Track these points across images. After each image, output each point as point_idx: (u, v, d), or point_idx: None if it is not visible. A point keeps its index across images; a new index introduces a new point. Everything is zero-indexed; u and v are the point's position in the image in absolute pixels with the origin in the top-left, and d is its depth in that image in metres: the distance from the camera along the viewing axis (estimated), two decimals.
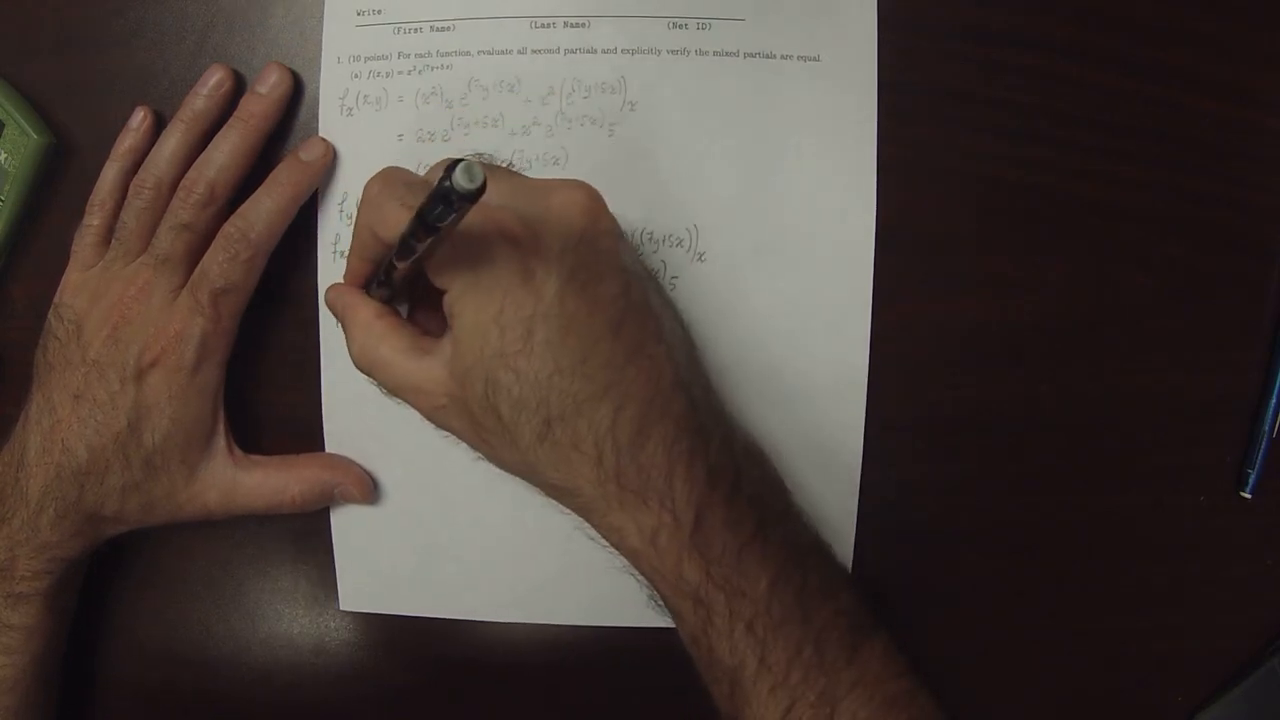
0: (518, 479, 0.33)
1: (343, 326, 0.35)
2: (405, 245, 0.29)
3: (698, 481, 0.30)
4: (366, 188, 0.32)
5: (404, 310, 0.36)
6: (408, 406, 0.34)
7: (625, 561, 0.32)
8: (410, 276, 0.32)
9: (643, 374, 0.30)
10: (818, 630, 0.30)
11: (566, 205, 0.31)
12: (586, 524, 0.32)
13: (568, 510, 0.32)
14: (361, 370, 0.33)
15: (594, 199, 0.31)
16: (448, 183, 0.24)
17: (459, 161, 0.24)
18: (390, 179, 0.32)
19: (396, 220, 0.29)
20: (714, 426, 0.32)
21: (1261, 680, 0.42)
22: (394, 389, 0.33)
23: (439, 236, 0.27)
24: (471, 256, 0.29)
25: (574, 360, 0.30)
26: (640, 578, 0.32)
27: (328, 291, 0.36)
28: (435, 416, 0.33)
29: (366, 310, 0.34)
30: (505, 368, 0.30)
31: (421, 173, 0.38)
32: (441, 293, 0.31)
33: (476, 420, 0.31)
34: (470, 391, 0.30)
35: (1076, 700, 0.43)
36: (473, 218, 0.27)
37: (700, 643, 0.31)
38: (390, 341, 0.33)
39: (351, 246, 0.34)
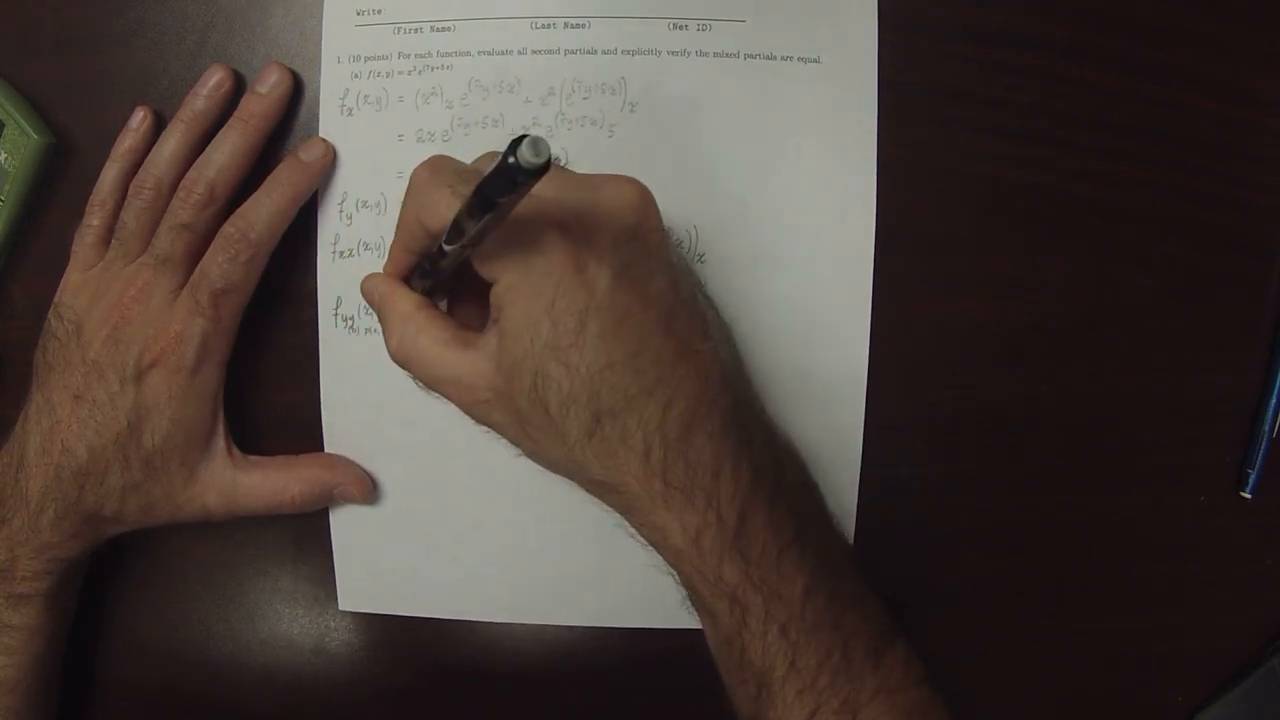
0: (554, 475, 0.33)
1: (380, 317, 0.34)
2: (457, 228, 0.28)
3: (743, 481, 0.30)
4: (414, 175, 0.31)
5: (441, 306, 0.35)
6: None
7: (659, 559, 0.32)
8: (455, 268, 0.31)
9: (692, 371, 0.30)
10: (846, 636, 0.30)
11: (617, 199, 0.30)
12: (621, 522, 0.32)
13: (608, 508, 0.32)
14: (399, 362, 0.33)
15: (644, 194, 0.31)
16: (513, 158, 0.23)
17: (524, 137, 0.23)
18: (439, 166, 0.31)
19: (446, 207, 0.29)
20: (756, 427, 0.32)
21: (1261, 680, 0.43)
22: (433, 382, 0.32)
23: (495, 216, 0.26)
24: (522, 247, 0.29)
25: (626, 354, 0.29)
26: (676, 576, 0.32)
27: (365, 281, 0.35)
28: (476, 411, 0.32)
29: (406, 301, 0.33)
30: (556, 361, 0.29)
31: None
32: (484, 287, 0.30)
33: (522, 415, 0.30)
34: (517, 385, 0.30)
35: (1076, 700, 0.43)
36: (524, 206, 0.27)
37: (734, 644, 0.31)
38: (430, 333, 0.32)
39: (396, 237, 0.33)
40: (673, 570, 0.32)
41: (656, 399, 0.29)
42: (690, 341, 0.30)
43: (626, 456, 0.30)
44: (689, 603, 0.33)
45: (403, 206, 0.32)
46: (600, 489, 0.31)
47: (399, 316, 0.33)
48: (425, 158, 0.38)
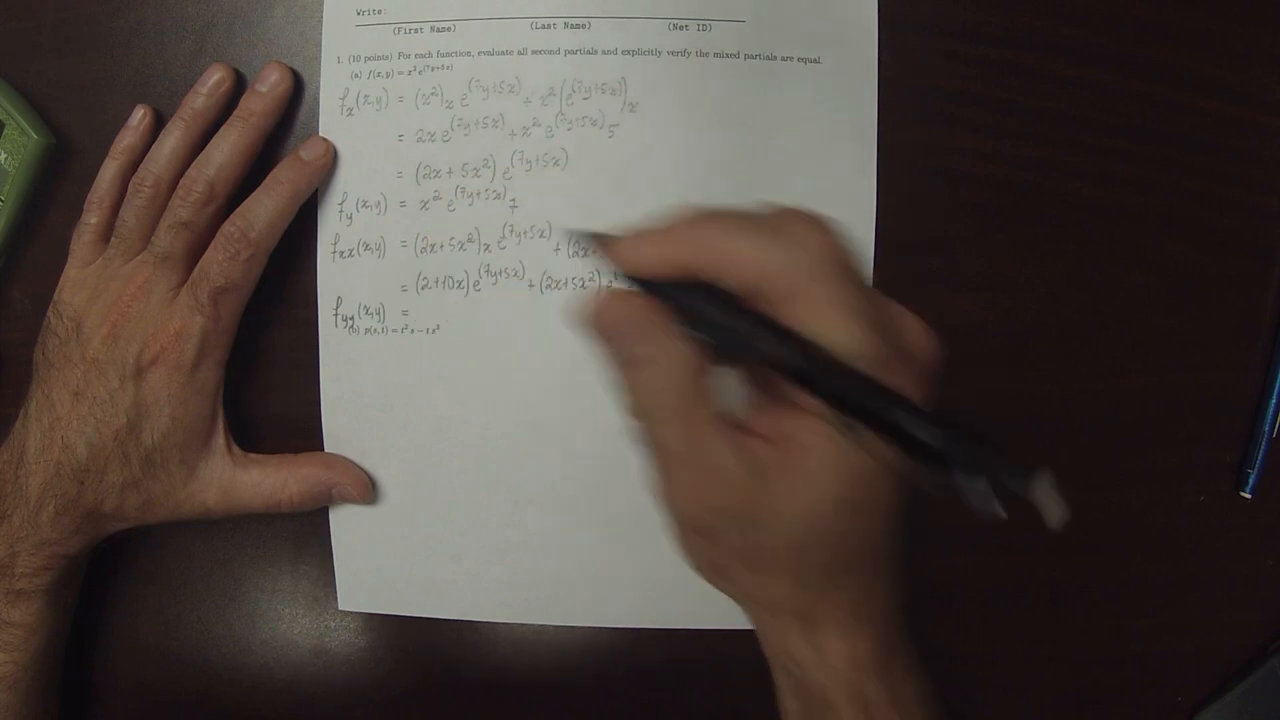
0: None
1: (621, 354, 0.26)
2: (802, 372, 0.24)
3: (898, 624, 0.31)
4: (822, 228, 0.26)
5: None
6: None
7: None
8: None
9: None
10: None
11: (921, 344, 0.29)
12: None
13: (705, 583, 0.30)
14: (639, 418, 0.26)
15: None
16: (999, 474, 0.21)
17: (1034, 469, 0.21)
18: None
19: (840, 334, 0.24)
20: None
21: (1261, 680, 0.43)
22: (675, 469, 0.26)
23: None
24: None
25: (880, 531, 0.28)
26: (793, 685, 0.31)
27: (609, 299, 0.27)
28: (701, 523, 0.27)
29: (683, 353, 0.26)
30: (832, 524, 0.26)
31: (415, 172, 0.38)
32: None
33: (752, 553, 0.27)
34: (774, 523, 0.26)
35: (1076, 700, 0.43)
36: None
37: None
38: (710, 416, 0.26)
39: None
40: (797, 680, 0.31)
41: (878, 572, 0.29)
42: None
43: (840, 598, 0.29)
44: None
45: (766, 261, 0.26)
46: (772, 610, 0.30)
47: (672, 366, 0.26)
48: (425, 158, 0.39)
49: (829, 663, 0.29)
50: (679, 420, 0.26)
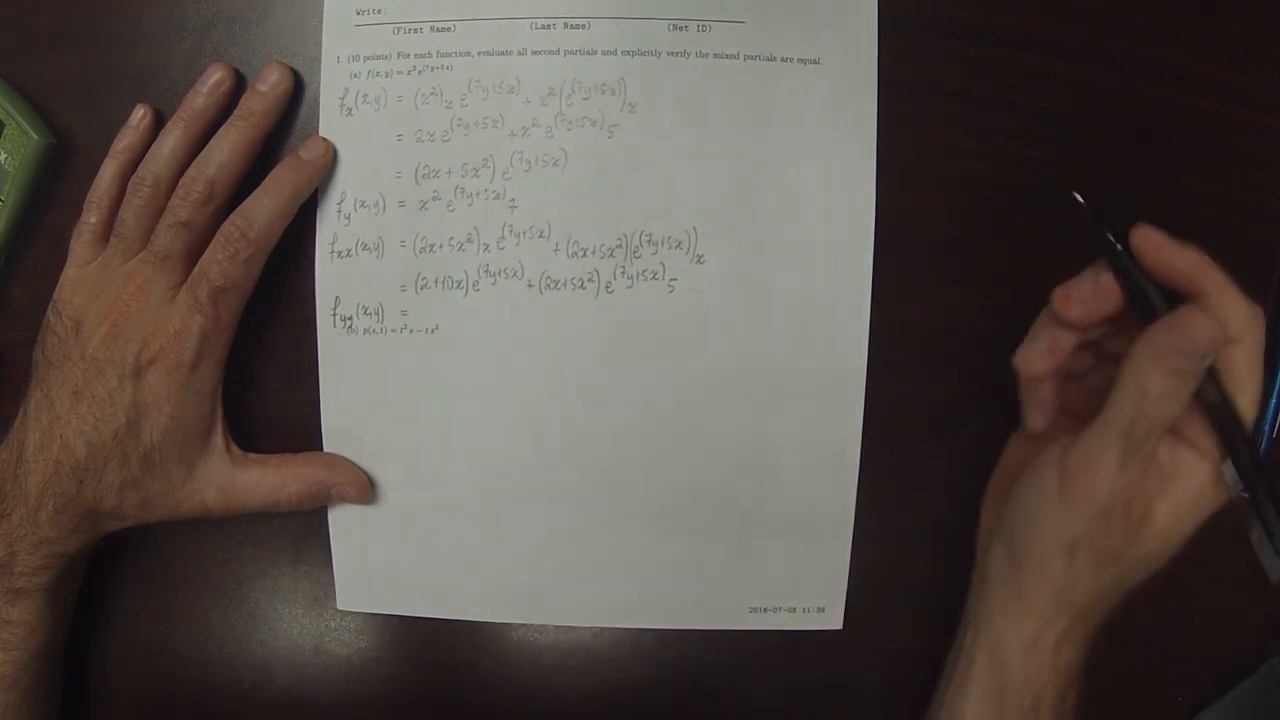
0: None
1: (1190, 362, 0.31)
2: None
3: None
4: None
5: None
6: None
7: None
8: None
9: None
10: None
11: None
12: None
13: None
14: (1146, 419, 0.31)
15: None
16: None
17: None
18: None
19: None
20: None
21: (1261, 680, 0.43)
22: (1126, 458, 0.32)
23: None
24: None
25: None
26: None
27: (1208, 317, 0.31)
28: (1104, 506, 0.33)
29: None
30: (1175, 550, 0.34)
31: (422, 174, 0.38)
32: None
33: (1112, 552, 0.33)
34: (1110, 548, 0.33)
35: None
36: None
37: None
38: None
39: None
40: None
41: None
42: None
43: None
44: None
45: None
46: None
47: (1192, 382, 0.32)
48: (424, 158, 0.39)
49: (1058, 666, 0.35)
50: (1168, 424, 0.32)
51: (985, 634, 0.36)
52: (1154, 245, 0.32)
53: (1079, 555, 0.33)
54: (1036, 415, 0.36)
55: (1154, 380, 0.31)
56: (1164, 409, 0.31)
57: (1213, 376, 0.31)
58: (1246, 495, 0.32)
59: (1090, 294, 0.33)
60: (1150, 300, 0.32)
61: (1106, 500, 0.32)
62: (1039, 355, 0.35)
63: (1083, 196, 0.33)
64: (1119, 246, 0.32)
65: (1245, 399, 0.32)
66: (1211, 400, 0.31)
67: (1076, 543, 0.33)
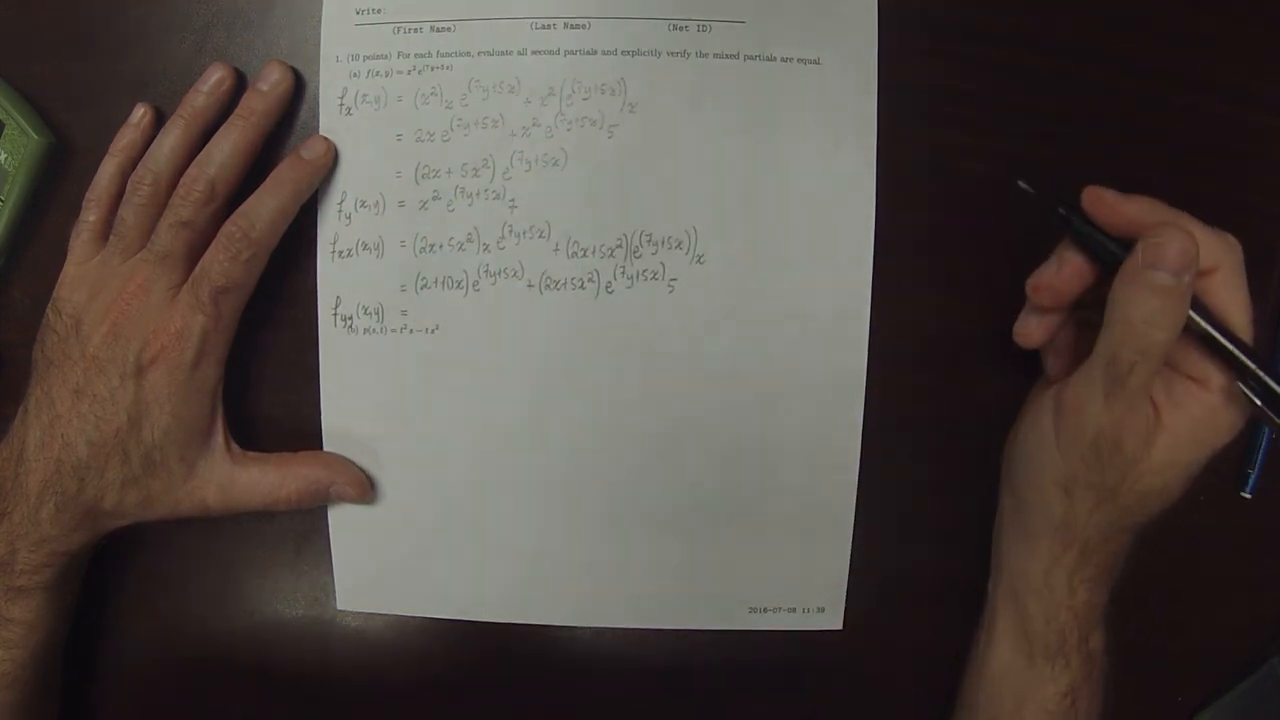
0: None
1: (1178, 282, 0.31)
2: None
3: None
4: None
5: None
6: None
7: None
8: None
9: None
10: None
11: None
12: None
13: None
14: (1142, 346, 0.32)
15: None
16: None
17: None
18: None
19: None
20: None
21: (1261, 680, 0.43)
22: (1122, 393, 0.32)
23: None
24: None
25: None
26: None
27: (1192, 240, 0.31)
28: (1102, 445, 0.33)
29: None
30: (1183, 483, 0.34)
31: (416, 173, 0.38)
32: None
33: (1111, 485, 0.34)
34: (1121, 486, 0.34)
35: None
36: None
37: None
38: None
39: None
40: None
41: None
42: None
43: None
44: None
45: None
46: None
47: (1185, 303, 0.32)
48: (424, 158, 0.39)
49: (1074, 605, 0.36)
50: (1160, 354, 0.32)
51: (1004, 578, 0.38)
52: (1104, 202, 0.33)
53: (1076, 491, 0.34)
54: (1052, 360, 0.38)
55: (1134, 306, 0.31)
56: (1147, 337, 0.31)
57: (1198, 308, 0.32)
58: (1264, 408, 0.32)
59: (1057, 276, 0.35)
60: (1119, 258, 0.32)
61: (1094, 436, 0.33)
62: (1034, 327, 0.37)
63: (1028, 183, 0.34)
64: (1071, 216, 0.33)
65: (1236, 323, 0.32)
66: (1203, 330, 0.32)
67: (1073, 479, 0.34)
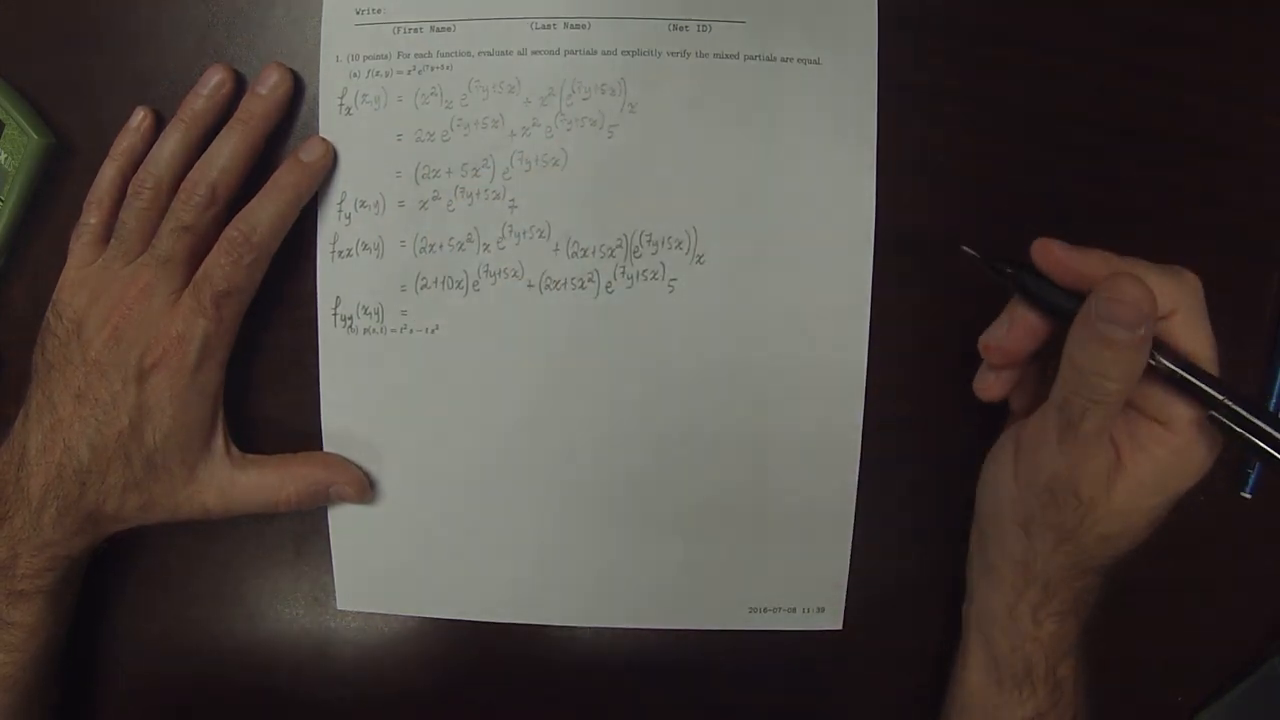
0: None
1: (1132, 335, 0.30)
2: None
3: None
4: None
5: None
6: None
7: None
8: None
9: None
10: None
11: None
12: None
13: None
14: (1099, 393, 0.31)
15: None
16: None
17: None
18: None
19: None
20: None
21: (1261, 680, 0.43)
22: (1077, 441, 0.32)
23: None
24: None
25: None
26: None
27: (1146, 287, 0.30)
28: (1058, 489, 0.33)
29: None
30: (1146, 529, 0.34)
31: (415, 173, 0.38)
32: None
33: (1069, 527, 0.33)
34: (1080, 525, 0.33)
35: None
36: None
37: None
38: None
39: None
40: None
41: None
42: None
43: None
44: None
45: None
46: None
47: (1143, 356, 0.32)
48: (424, 158, 0.39)
49: (1040, 637, 0.35)
50: (1116, 404, 0.31)
51: (974, 605, 0.38)
52: (1053, 256, 0.32)
53: (1034, 531, 0.34)
54: (1016, 397, 0.37)
55: (1086, 357, 0.31)
56: (1100, 388, 0.31)
57: (1161, 348, 0.31)
58: (1239, 433, 0.31)
59: (1008, 336, 0.34)
60: (1072, 311, 0.32)
61: (1049, 479, 0.33)
62: (991, 383, 0.36)
63: (972, 248, 0.34)
64: (1019, 274, 0.33)
65: (1202, 360, 0.32)
66: (1169, 370, 0.31)
67: (1031, 519, 0.34)
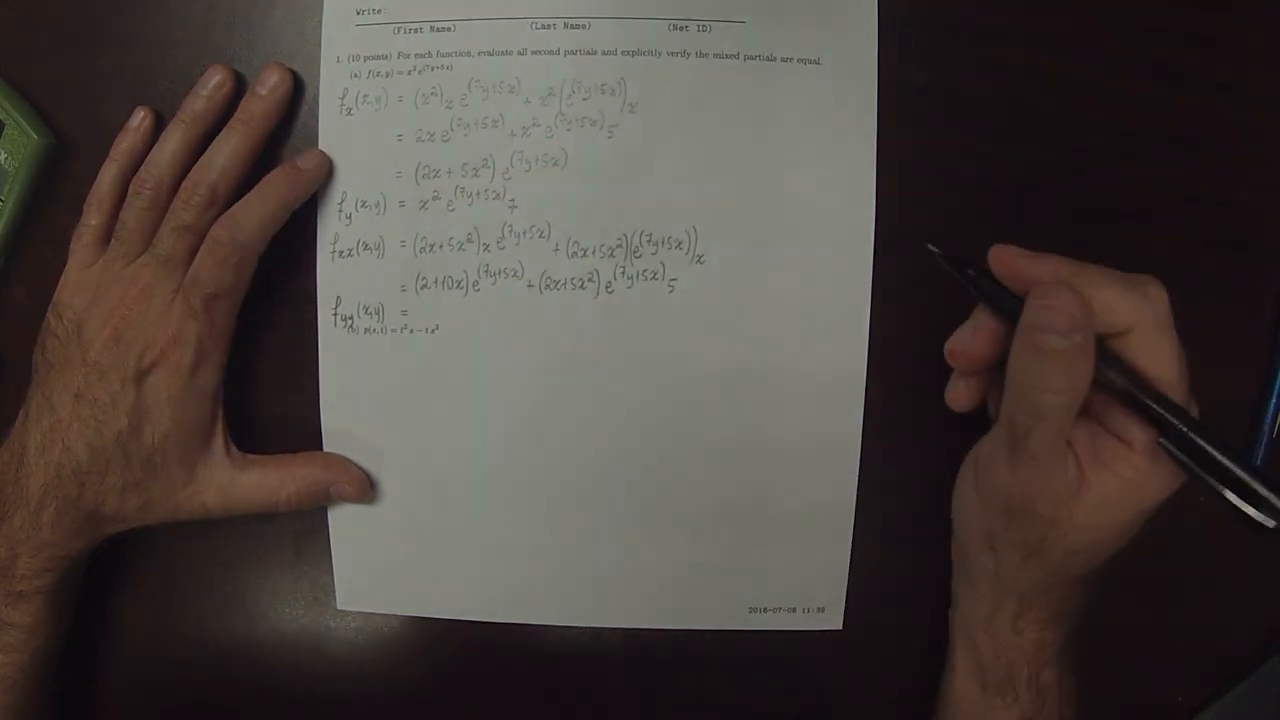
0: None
1: (1062, 341, 0.29)
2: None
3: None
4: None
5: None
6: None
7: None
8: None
9: None
10: None
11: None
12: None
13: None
14: (1034, 407, 0.30)
15: None
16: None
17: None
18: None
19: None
20: None
21: (1261, 680, 0.43)
22: (1024, 456, 0.31)
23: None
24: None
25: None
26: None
27: (1076, 294, 0.29)
28: (1016, 508, 0.32)
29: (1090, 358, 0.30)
30: (1091, 548, 0.33)
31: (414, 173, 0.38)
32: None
33: (1033, 544, 0.33)
34: (1054, 542, 0.32)
35: (1076, 700, 0.43)
36: None
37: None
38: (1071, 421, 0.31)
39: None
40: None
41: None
42: None
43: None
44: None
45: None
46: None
47: (1085, 364, 0.30)
48: (424, 158, 0.39)
49: (1021, 645, 0.35)
50: (1060, 420, 0.30)
51: (957, 611, 0.38)
52: (1007, 262, 0.31)
53: (1000, 547, 0.34)
54: (993, 408, 0.37)
55: (1023, 369, 0.30)
56: (1041, 402, 0.30)
57: (1117, 365, 0.30)
58: (1186, 463, 0.30)
59: (971, 341, 0.33)
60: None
61: (1004, 498, 0.32)
62: (962, 391, 0.36)
63: (938, 247, 0.33)
64: (978, 278, 0.32)
65: (1164, 380, 0.30)
66: (1120, 386, 0.30)
67: (994, 536, 0.34)
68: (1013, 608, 0.35)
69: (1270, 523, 0.28)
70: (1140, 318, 0.30)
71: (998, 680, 0.36)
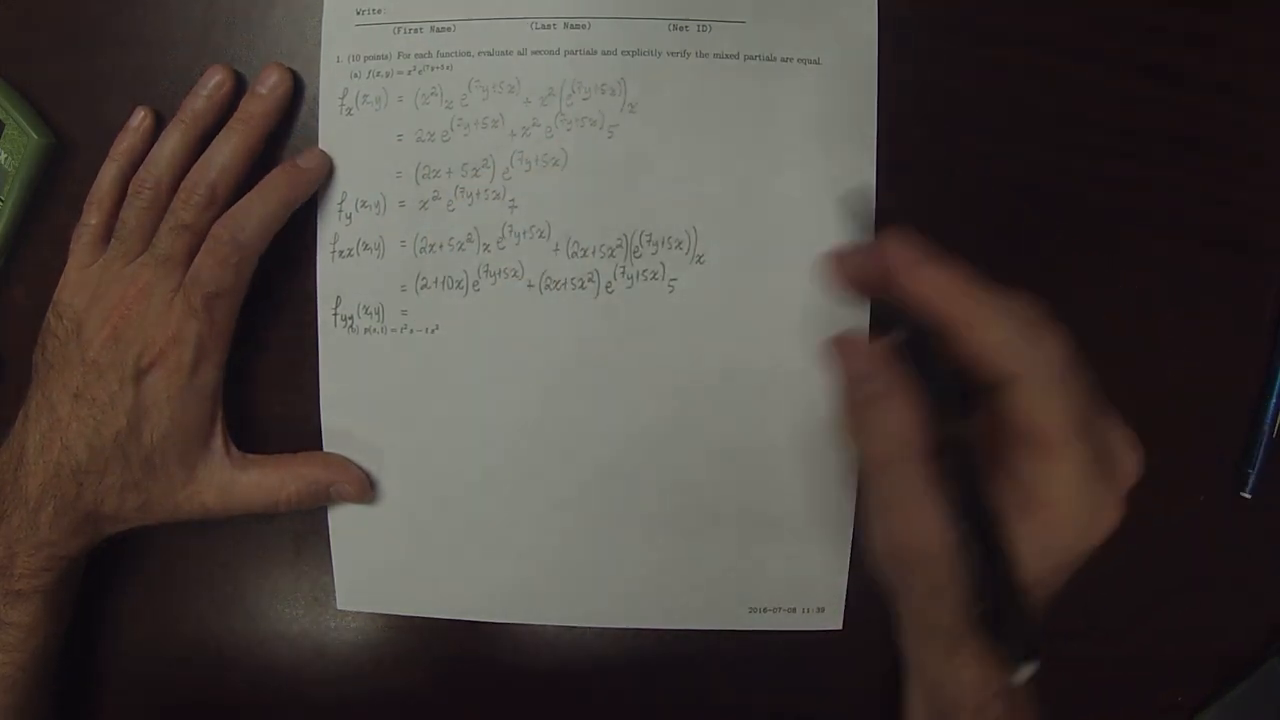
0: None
1: (861, 391, 0.29)
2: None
3: None
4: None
5: None
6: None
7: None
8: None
9: None
10: None
11: (1125, 459, 0.32)
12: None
13: None
14: (871, 459, 0.29)
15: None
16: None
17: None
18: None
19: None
20: None
21: (1261, 680, 0.43)
22: (887, 506, 0.30)
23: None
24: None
25: None
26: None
27: (856, 339, 0.31)
28: (905, 559, 0.30)
29: (914, 397, 0.29)
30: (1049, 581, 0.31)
31: (412, 172, 0.38)
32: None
33: (940, 587, 0.30)
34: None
35: (1077, 700, 0.43)
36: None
37: None
38: (925, 461, 0.29)
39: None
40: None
41: None
42: None
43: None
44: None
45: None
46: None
47: (905, 405, 0.29)
48: (424, 158, 0.39)
49: (962, 680, 0.32)
50: (902, 463, 0.29)
51: (904, 639, 0.36)
52: (918, 290, 0.30)
53: (903, 594, 0.33)
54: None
55: (845, 420, 0.30)
56: (868, 450, 0.29)
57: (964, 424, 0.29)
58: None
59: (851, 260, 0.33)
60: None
61: (886, 551, 0.31)
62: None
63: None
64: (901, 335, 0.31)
65: (1045, 438, 0.29)
66: (951, 468, 0.29)
67: (897, 579, 0.32)
68: (944, 646, 0.32)
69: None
70: (1029, 367, 0.29)
71: (943, 711, 0.33)
